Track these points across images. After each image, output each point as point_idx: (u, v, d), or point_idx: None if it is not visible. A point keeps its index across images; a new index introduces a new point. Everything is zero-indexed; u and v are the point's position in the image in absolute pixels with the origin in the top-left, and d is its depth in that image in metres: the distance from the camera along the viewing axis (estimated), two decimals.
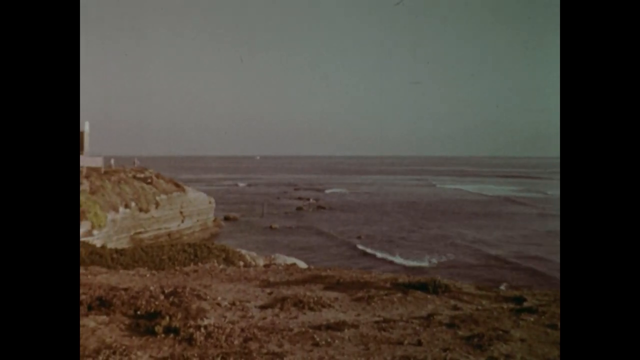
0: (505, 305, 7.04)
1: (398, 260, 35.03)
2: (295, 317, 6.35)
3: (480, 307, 6.97)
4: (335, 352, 5.10)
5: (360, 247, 39.51)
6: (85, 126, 39.06)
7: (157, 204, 39.21)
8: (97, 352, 4.93)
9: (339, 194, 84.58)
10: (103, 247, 19.37)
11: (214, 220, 48.35)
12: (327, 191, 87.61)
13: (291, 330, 5.76)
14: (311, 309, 6.67)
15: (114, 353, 4.92)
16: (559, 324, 5.83)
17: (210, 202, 47.67)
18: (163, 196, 40.44)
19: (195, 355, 4.94)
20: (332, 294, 7.51)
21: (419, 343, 5.37)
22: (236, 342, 5.29)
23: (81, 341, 5.22)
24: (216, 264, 11.41)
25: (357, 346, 5.29)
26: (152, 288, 7.20)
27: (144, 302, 6.44)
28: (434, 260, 34.90)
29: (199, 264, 11.80)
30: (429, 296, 7.45)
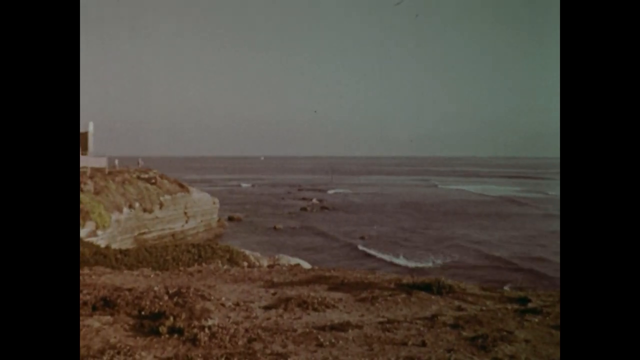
0: (509, 306, 7.02)
1: (402, 261, 34.99)
2: (299, 318, 6.35)
3: (484, 308, 6.96)
4: (339, 353, 5.10)
5: (364, 248, 39.50)
6: (90, 127, 39.17)
7: (161, 205, 39.29)
8: (102, 352, 4.94)
9: (342, 194, 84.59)
10: (107, 247, 19.43)
11: (218, 221, 48.40)
12: (330, 192, 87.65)
13: (295, 330, 5.76)
14: (315, 309, 6.67)
15: (118, 353, 4.93)
16: None
17: (214, 203, 47.74)
18: (167, 197, 40.52)
19: (200, 355, 4.95)
20: (336, 295, 7.51)
21: (423, 344, 5.37)
22: (240, 343, 5.29)
23: (85, 341, 5.23)
24: (220, 265, 11.43)
25: (361, 347, 5.29)
26: (156, 288, 7.21)
27: (148, 303, 6.46)
28: (438, 261, 34.85)
29: (203, 264, 11.82)
30: (433, 297, 7.44)
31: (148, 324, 5.79)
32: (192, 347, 5.20)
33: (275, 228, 48.76)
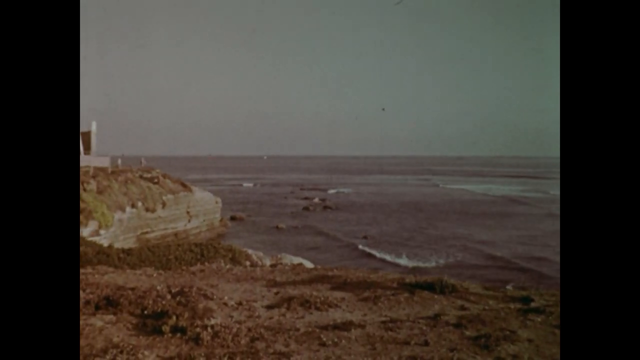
0: (512, 306, 7.01)
1: (404, 260, 34.98)
2: (302, 317, 6.35)
3: (487, 307, 6.95)
4: (342, 352, 5.10)
5: (366, 247, 39.49)
6: (93, 126, 39.27)
7: (163, 204, 39.34)
8: (104, 351, 4.95)
9: (344, 194, 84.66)
10: (110, 246, 19.44)
11: (221, 220, 48.44)
12: (332, 191, 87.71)
13: (298, 330, 5.76)
14: (318, 308, 6.67)
15: (121, 352, 4.93)
16: None
17: (216, 202, 47.78)
18: (170, 196, 40.57)
19: (202, 354, 4.95)
20: (339, 294, 7.51)
21: (426, 343, 5.36)
22: (243, 342, 5.29)
23: (88, 340, 5.24)
24: (223, 264, 11.43)
25: (364, 346, 5.28)
26: (159, 288, 7.22)
27: (150, 302, 6.46)
28: (441, 261, 34.82)
29: (206, 263, 11.82)
30: (435, 296, 7.43)
31: (151, 323, 5.80)
32: (195, 346, 5.21)
33: (277, 227, 48.79)
